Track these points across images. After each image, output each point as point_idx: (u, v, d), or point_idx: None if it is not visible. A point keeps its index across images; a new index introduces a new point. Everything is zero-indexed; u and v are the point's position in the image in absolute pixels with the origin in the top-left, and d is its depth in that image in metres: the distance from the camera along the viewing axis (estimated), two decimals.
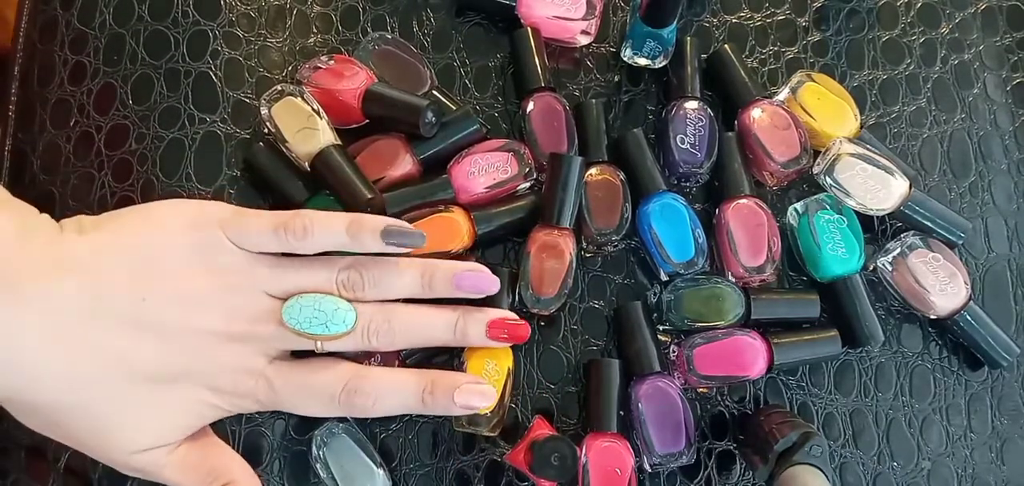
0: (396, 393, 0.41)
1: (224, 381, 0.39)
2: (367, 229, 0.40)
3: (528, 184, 0.47)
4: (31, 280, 0.35)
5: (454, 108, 0.49)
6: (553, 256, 0.45)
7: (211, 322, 0.38)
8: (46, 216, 0.38)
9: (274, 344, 0.40)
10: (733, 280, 0.47)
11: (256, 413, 0.44)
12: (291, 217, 0.39)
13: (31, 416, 0.38)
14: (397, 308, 0.42)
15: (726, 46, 0.51)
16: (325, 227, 0.40)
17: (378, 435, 0.45)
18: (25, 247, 0.36)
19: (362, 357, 0.43)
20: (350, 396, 0.40)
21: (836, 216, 0.47)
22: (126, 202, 0.46)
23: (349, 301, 0.40)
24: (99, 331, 0.36)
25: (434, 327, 0.42)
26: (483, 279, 0.42)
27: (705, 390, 0.47)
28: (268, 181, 0.46)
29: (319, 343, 0.40)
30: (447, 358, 0.46)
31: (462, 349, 0.44)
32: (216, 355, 0.39)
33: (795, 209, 0.48)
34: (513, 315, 0.43)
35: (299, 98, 0.45)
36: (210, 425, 0.42)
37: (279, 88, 0.46)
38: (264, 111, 0.46)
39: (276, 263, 0.40)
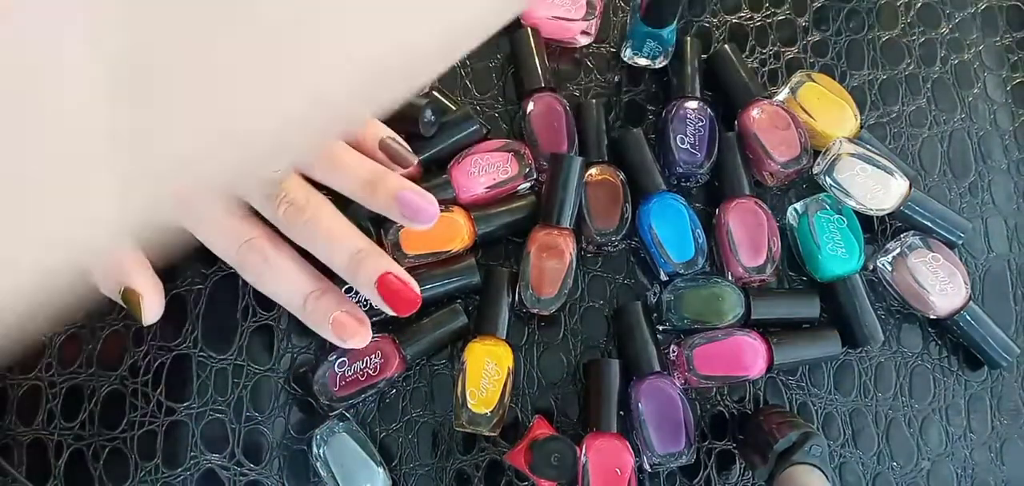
0: (287, 284, 0.41)
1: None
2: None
3: (528, 184, 0.47)
4: None
5: (454, 108, 0.49)
6: (553, 256, 0.45)
7: None
8: None
9: None
10: (733, 280, 0.47)
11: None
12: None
13: None
14: (322, 206, 0.41)
15: (726, 46, 0.51)
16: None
17: (378, 435, 0.45)
18: None
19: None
20: (248, 253, 0.40)
21: (836, 216, 0.47)
22: None
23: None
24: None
25: (336, 245, 0.41)
26: (423, 209, 0.40)
27: (705, 390, 0.47)
28: None
29: None
30: (447, 351, 0.46)
31: (463, 344, 0.44)
32: None
33: (795, 209, 0.48)
34: (405, 280, 0.40)
35: None
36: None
37: None
38: None
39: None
